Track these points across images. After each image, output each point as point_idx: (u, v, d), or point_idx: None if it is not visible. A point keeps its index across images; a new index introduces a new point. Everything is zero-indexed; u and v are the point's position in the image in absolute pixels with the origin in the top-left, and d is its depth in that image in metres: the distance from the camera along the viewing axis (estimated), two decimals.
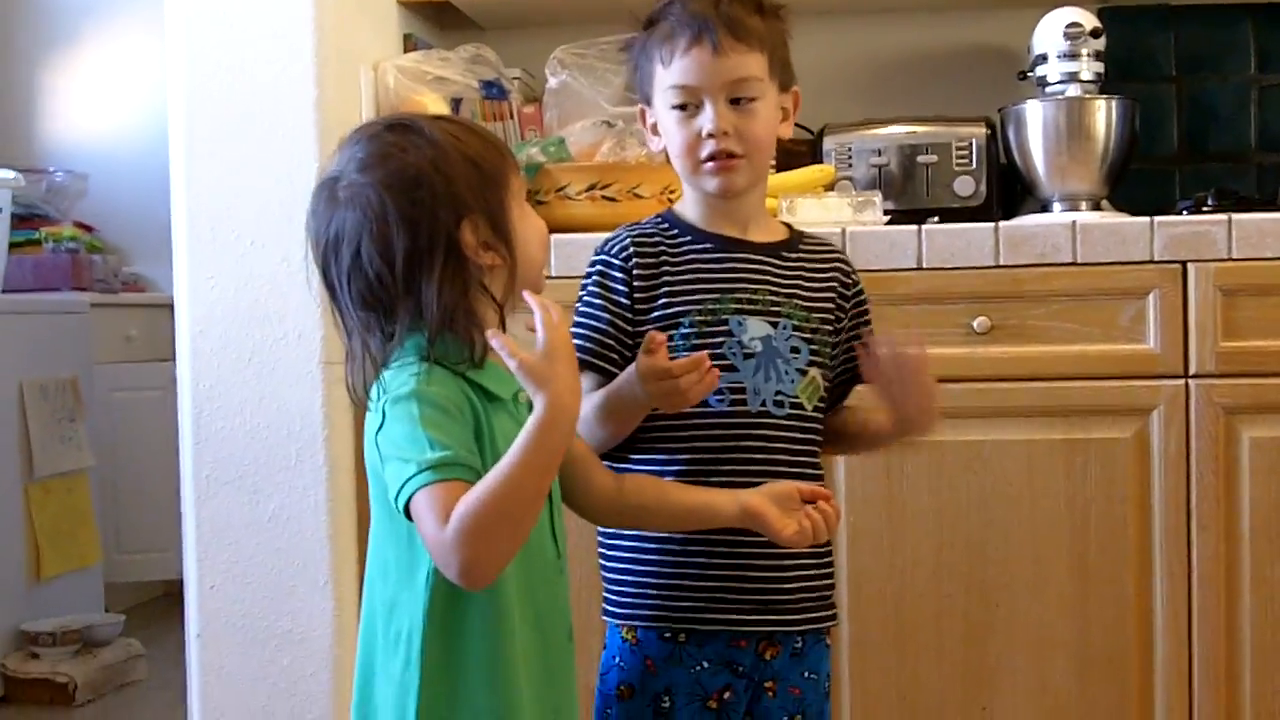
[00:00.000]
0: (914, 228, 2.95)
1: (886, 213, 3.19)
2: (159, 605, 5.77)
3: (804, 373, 2.14)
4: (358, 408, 1.87)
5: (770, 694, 2.14)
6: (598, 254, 2.18)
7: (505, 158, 1.88)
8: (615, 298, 2.13)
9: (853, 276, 2.27)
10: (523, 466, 1.69)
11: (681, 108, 2.12)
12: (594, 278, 2.16)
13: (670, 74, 2.12)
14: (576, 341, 2.08)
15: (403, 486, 1.72)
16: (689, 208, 2.20)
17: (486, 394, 1.83)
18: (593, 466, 2.04)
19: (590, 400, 2.06)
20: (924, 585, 2.94)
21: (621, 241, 2.16)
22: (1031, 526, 2.92)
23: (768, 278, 2.16)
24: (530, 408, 1.77)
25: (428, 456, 1.71)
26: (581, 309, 2.15)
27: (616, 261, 2.14)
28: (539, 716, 1.87)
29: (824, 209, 3.11)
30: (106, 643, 4.89)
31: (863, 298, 2.27)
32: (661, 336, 1.98)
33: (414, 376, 1.77)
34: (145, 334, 5.76)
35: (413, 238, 1.79)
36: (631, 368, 2.01)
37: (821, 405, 2.18)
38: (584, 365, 2.07)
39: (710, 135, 2.10)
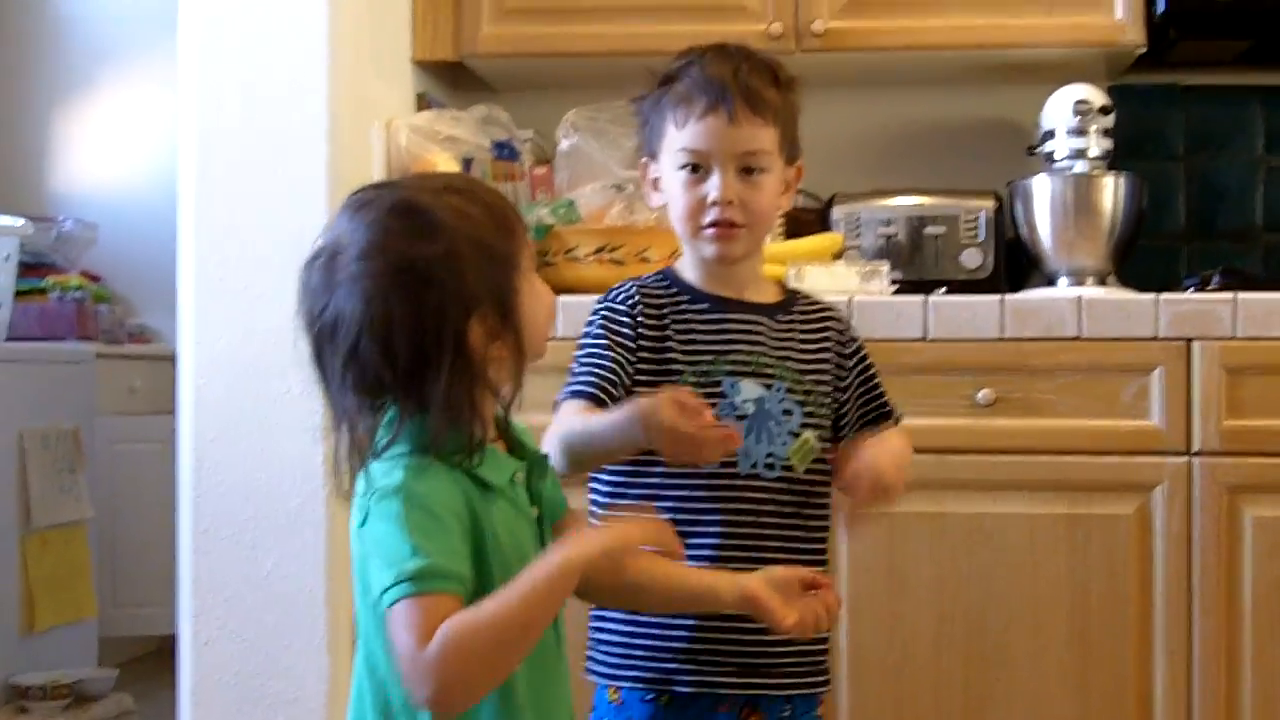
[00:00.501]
0: (920, 298, 2.96)
1: (894, 283, 3.19)
2: (153, 660, 5.71)
3: (796, 435, 2.13)
4: (343, 498, 1.73)
5: None
6: (602, 302, 2.17)
7: (515, 232, 1.74)
8: (622, 341, 2.10)
9: (848, 333, 2.26)
10: (533, 595, 1.60)
11: (692, 169, 2.12)
12: (599, 322, 2.14)
13: (683, 136, 2.12)
14: (581, 375, 2.08)
15: (382, 594, 1.59)
16: (687, 268, 2.20)
17: (482, 484, 1.69)
18: None
19: (588, 419, 2.02)
20: (924, 657, 2.93)
21: (628, 291, 2.16)
22: (1032, 600, 2.91)
23: (761, 339, 2.15)
24: (527, 489, 1.74)
25: (408, 567, 1.58)
26: (587, 347, 2.12)
27: (623, 308, 2.13)
28: None
29: (831, 277, 3.12)
30: (98, 698, 4.83)
31: (863, 352, 2.26)
32: (696, 405, 1.91)
33: (404, 470, 1.64)
34: (149, 386, 5.73)
35: (418, 340, 1.64)
36: (643, 410, 1.93)
37: (818, 468, 2.16)
38: (585, 396, 2.05)
39: (715, 203, 2.10)
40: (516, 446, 1.80)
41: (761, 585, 1.89)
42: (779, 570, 1.94)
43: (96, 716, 4.76)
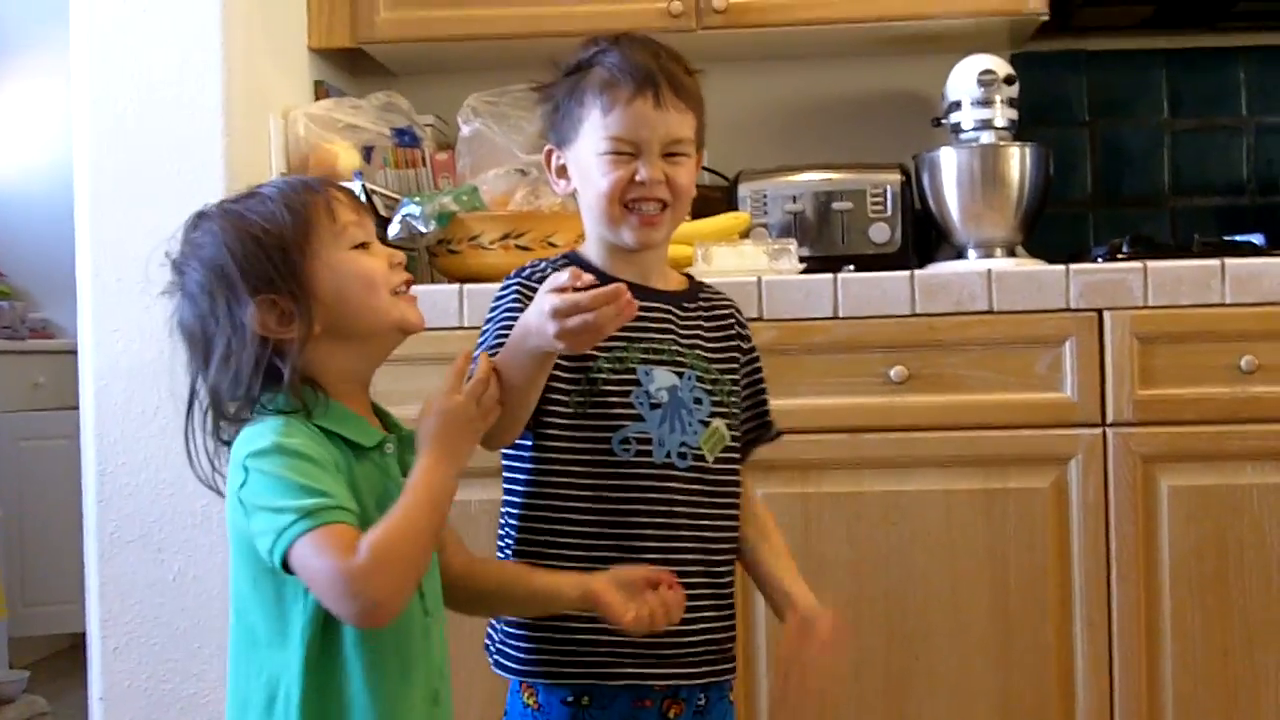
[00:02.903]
0: (830, 277, 2.94)
1: (802, 260, 3.16)
2: (66, 658, 5.65)
3: (706, 424, 2.12)
4: (204, 483, 1.93)
5: None
6: (514, 277, 2.14)
7: (307, 220, 1.88)
8: None
9: (746, 331, 2.25)
10: (427, 500, 1.79)
11: (616, 154, 2.08)
12: (511, 297, 2.11)
13: (610, 122, 2.08)
14: (488, 344, 2.05)
15: (279, 536, 1.72)
16: (592, 251, 2.17)
17: (348, 443, 1.86)
18: (451, 549, 2.04)
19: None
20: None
21: (542, 270, 2.13)
22: (951, 577, 2.90)
23: (671, 327, 2.14)
24: (397, 459, 1.90)
25: (305, 503, 1.73)
26: (501, 318, 2.09)
27: (538, 287, 2.10)
28: None
29: (739, 257, 3.09)
30: (10, 700, 4.77)
31: (757, 356, 2.26)
32: (579, 272, 1.90)
33: (273, 431, 1.80)
34: (53, 381, 5.65)
35: (209, 338, 1.86)
36: (526, 319, 1.92)
37: (728, 458, 2.15)
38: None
39: (644, 183, 2.07)
40: (390, 426, 1.97)
41: (604, 583, 1.96)
42: (625, 569, 2.00)
43: (9, 719, 4.69)
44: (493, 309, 2.13)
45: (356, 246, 1.91)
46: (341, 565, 1.69)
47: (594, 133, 2.10)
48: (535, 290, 2.05)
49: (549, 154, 2.20)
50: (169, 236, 1.92)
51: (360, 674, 1.81)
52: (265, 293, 1.84)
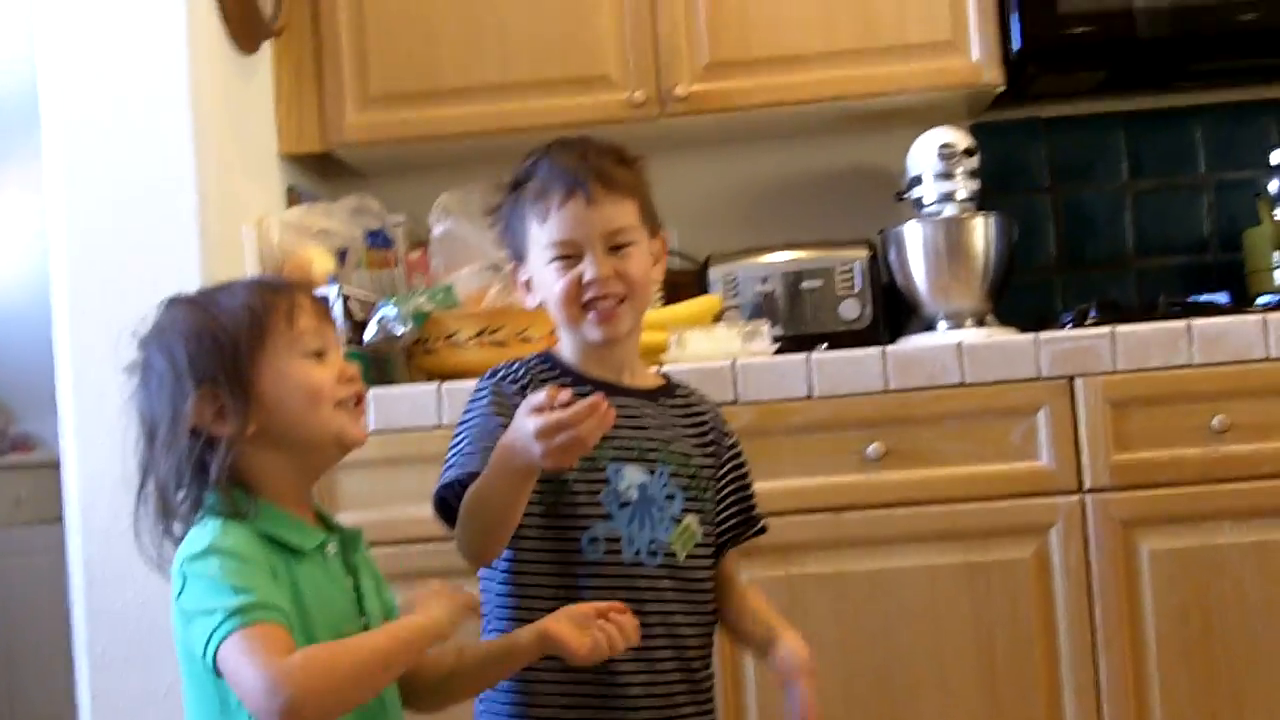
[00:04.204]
0: (803, 357, 2.97)
1: (775, 340, 3.20)
2: None
3: (678, 521, 2.15)
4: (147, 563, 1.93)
5: None
6: (489, 379, 2.17)
7: (263, 322, 1.91)
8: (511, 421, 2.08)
9: (727, 428, 2.28)
10: (388, 642, 1.81)
11: (563, 259, 2.13)
12: (487, 397, 2.14)
13: (548, 230, 2.13)
14: (466, 452, 2.07)
15: (210, 636, 1.73)
16: (566, 353, 2.21)
17: (285, 547, 1.87)
18: None
19: (469, 494, 2.03)
20: (834, 717, 2.92)
21: (515, 371, 2.17)
22: (937, 652, 2.92)
23: (644, 424, 2.17)
24: (341, 560, 1.93)
25: (232, 603, 1.73)
26: (473, 423, 2.12)
27: (511, 389, 2.13)
28: None
29: (713, 341, 3.12)
30: None
31: (740, 451, 2.28)
32: (556, 390, 1.93)
33: (209, 533, 1.81)
34: (34, 494, 5.63)
35: (147, 417, 1.92)
36: (509, 441, 1.95)
37: (700, 554, 2.17)
38: (474, 474, 2.04)
39: (592, 283, 2.11)
40: (331, 526, 1.99)
41: (555, 622, 1.96)
42: (572, 606, 2.00)
43: None
44: (466, 414, 2.16)
45: (311, 354, 1.93)
46: (265, 662, 1.70)
47: (538, 244, 2.15)
48: (507, 394, 2.11)
49: (513, 271, 2.25)
50: (140, 316, 1.97)
51: None
52: (208, 385, 1.87)
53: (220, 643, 1.72)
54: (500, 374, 2.18)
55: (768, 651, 2.15)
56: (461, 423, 2.15)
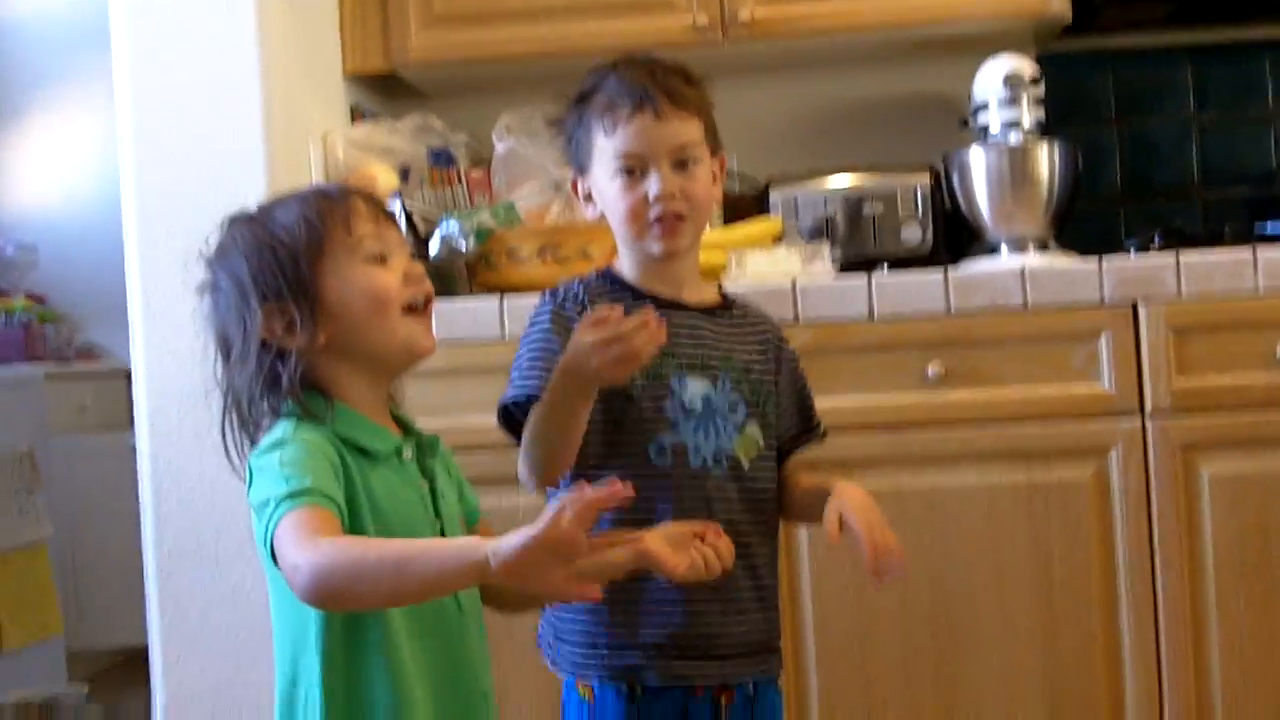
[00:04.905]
0: (863, 278, 2.97)
1: (835, 262, 3.20)
2: (122, 671, 5.70)
3: (741, 430, 2.16)
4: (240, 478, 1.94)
5: None
6: (548, 297, 2.18)
7: (316, 226, 1.91)
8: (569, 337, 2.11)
9: (783, 341, 2.29)
10: (425, 556, 1.68)
11: (629, 172, 2.14)
12: (546, 316, 2.15)
13: (614, 141, 2.14)
14: (528, 373, 2.10)
15: (267, 528, 1.74)
16: (626, 268, 2.22)
17: (361, 450, 1.88)
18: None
19: (532, 418, 2.06)
20: (889, 634, 2.95)
21: (574, 290, 2.18)
22: (995, 570, 2.93)
23: (705, 337, 2.18)
24: (417, 464, 1.94)
25: (283, 490, 1.74)
26: (534, 342, 2.14)
27: (570, 306, 2.15)
28: None
29: (773, 262, 3.13)
30: (70, 713, 4.83)
31: (796, 360, 2.30)
32: (607, 307, 1.96)
33: (280, 430, 1.85)
34: (100, 403, 5.72)
35: (228, 339, 1.93)
36: (566, 360, 1.98)
37: (764, 463, 2.19)
38: (537, 399, 2.07)
39: (658, 199, 2.12)
40: (409, 431, 1.99)
41: (654, 539, 1.91)
42: (669, 526, 1.98)
43: None
44: (527, 333, 2.17)
45: (374, 258, 1.93)
46: (304, 539, 1.69)
47: (603, 155, 2.16)
48: (567, 312, 2.13)
49: (574, 183, 2.26)
50: (205, 236, 1.98)
51: (385, 682, 1.83)
52: (274, 300, 1.88)
53: (274, 532, 1.73)
54: (560, 294, 2.19)
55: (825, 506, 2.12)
56: (524, 340, 2.17)
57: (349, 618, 1.81)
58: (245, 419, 1.92)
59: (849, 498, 2.09)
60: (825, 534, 2.07)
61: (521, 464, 2.09)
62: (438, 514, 1.95)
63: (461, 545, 1.71)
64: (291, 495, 1.73)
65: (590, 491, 1.64)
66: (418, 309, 1.95)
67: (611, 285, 2.20)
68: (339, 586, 1.67)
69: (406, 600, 1.76)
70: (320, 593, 1.68)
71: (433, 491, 1.96)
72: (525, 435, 2.07)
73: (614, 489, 1.66)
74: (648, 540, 1.94)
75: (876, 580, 2.06)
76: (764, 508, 2.20)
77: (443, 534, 1.94)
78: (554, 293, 2.20)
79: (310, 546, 1.68)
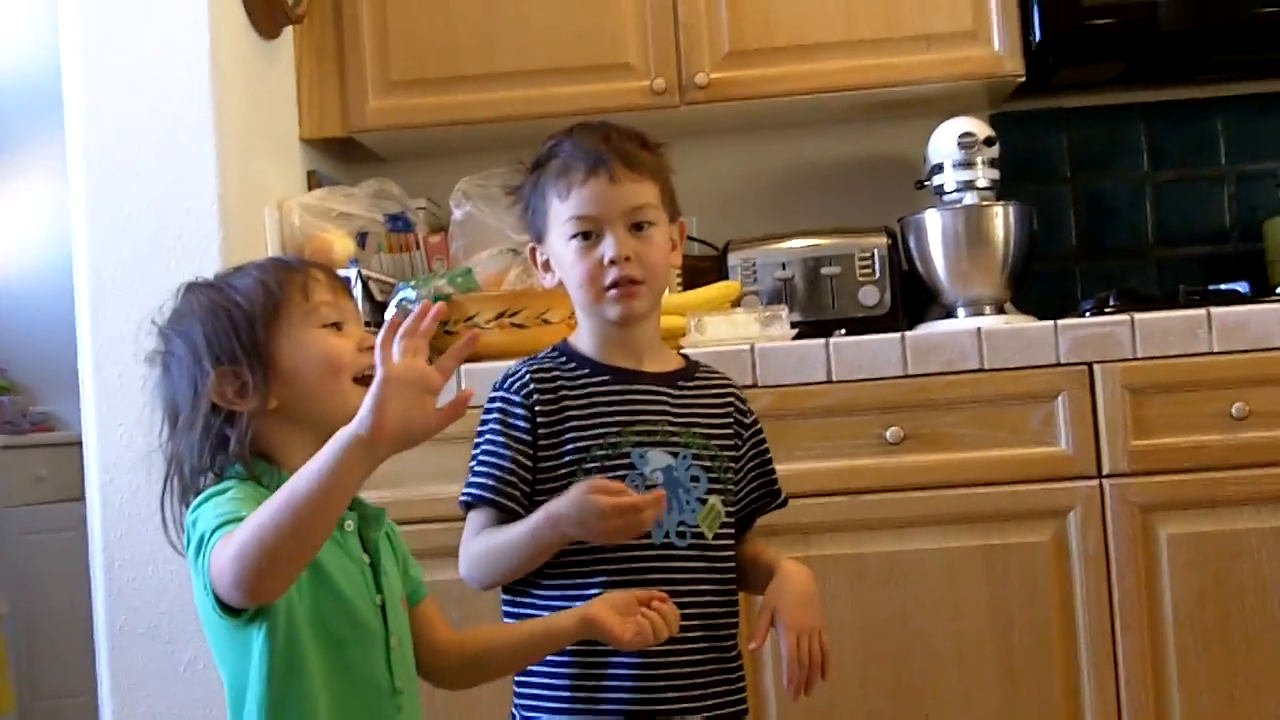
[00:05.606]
0: (822, 341, 2.97)
1: (794, 325, 3.20)
2: None
3: (704, 501, 2.16)
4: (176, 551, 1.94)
5: None
6: (497, 390, 2.18)
7: (274, 291, 1.92)
8: (518, 435, 2.12)
9: (747, 406, 2.29)
10: (311, 474, 1.68)
11: (584, 236, 2.13)
12: (495, 415, 2.15)
13: (569, 205, 2.14)
14: (480, 475, 2.11)
15: (203, 562, 1.73)
16: (584, 340, 2.22)
17: None
18: (438, 625, 2.08)
19: (495, 536, 2.08)
20: (852, 700, 2.93)
21: (521, 378, 2.17)
22: (955, 634, 2.92)
23: (665, 408, 2.17)
24: (358, 537, 1.93)
25: (214, 524, 1.74)
26: (484, 445, 2.14)
27: (517, 399, 2.14)
28: None
29: (732, 326, 3.13)
30: None
31: (760, 429, 2.30)
32: (613, 483, 2.00)
33: (218, 489, 1.84)
34: (55, 473, 5.68)
35: (176, 405, 1.93)
36: (562, 514, 2.00)
37: (726, 533, 2.19)
38: (485, 503, 2.10)
39: (613, 262, 2.12)
40: (354, 503, 1.94)
41: (600, 607, 1.98)
42: (615, 593, 2.01)
43: None
44: (479, 429, 2.18)
45: (329, 326, 1.94)
46: (218, 560, 1.69)
47: (559, 221, 2.16)
48: (517, 404, 2.14)
49: (532, 251, 2.26)
50: (159, 304, 1.99)
51: None
52: (228, 363, 1.89)
53: (209, 558, 1.72)
54: (508, 384, 2.18)
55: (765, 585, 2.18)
56: (477, 433, 2.18)
57: (276, 700, 1.81)
58: (187, 488, 1.91)
59: (787, 591, 2.13)
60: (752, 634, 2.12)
61: (469, 569, 2.11)
62: (379, 588, 1.94)
63: (333, 438, 1.70)
64: (222, 525, 1.73)
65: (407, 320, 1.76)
66: (370, 379, 1.93)
67: (568, 359, 2.20)
68: (249, 553, 1.66)
69: (314, 520, 1.67)
70: (244, 573, 1.66)
71: (374, 566, 1.95)
72: (479, 548, 2.09)
73: (425, 306, 1.80)
74: (594, 608, 1.98)
75: (792, 694, 2.10)
76: (727, 579, 2.20)
77: (384, 610, 1.93)
78: (503, 383, 2.19)
79: (225, 542, 1.69)
